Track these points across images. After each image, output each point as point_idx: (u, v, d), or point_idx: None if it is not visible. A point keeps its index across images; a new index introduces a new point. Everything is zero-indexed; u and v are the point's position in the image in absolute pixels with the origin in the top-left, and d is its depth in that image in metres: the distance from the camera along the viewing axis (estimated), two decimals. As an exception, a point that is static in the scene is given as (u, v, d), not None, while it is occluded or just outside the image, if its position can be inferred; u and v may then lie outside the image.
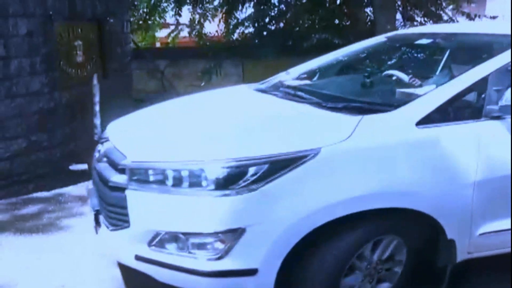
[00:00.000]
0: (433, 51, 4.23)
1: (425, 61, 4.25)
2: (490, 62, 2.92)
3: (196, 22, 12.28)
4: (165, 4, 12.75)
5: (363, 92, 3.52)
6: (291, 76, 4.14)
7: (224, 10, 12.13)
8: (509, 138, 2.78)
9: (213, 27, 13.12)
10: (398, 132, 2.67)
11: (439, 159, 2.69)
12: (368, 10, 11.05)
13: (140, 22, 13.24)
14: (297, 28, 10.75)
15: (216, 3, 12.27)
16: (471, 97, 2.85)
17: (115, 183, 2.80)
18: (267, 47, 10.00)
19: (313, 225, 2.52)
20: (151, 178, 2.67)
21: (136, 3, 12.47)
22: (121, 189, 2.75)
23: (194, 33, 12.41)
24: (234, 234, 2.48)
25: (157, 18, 13.37)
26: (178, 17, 12.42)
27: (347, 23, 11.01)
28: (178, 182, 2.58)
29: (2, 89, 5.45)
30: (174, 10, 12.30)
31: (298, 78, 4.10)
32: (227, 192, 2.47)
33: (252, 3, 11.41)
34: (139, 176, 2.70)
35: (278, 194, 2.47)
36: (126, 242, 2.77)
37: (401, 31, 4.79)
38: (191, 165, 2.57)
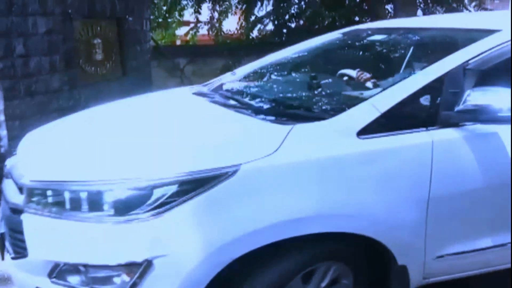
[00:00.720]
0: (390, 48, 3.70)
1: (380, 59, 3.66)
2: (446, 60, 2.52)
3: (215, 19, 12.28)
4: (184, 2, 12.77)
5: (307, 96, 3.08)
6: (237, 76, 3.72)
7: (243, 8, 12.11)
8: (467, 148, 2.41)
9: (232, 25, 13.11)
10: (336, 144, 2.26)
11: (385, 175, 2.30)
12: (389, 7, 10.95)
13: (160, 20, 13.27)
14: (317, 26, 10.68)
15: (235, 0, 12.26)
16: (424, 101, 2.45)
17: (14, 204, 2.46)
18: (286, 44, 9.95)
19: (234, 255, 2.14)
20: (50, 200, 2.28)
21: (155, 1, 12.50)
22: (20, 211, 2.38)
23: (213, 30, 12.41)
24: (139, 268, 2.11)
25: (177, 16, 13.39)
26: (197, 15, 12.44)
27: (368, 20, 10.93)
28: (76, 205, 2.21)
29: (22, 87, 5.48)
30: (193, 7, 12.32)
31: (244, 79, 3.67)
32: (128, 218, 2.11)
33: (271, 0, 11.37)
34: (38, 197, 2.33)
35: (190, 220, 2.10)
36: (26, 272, 2.39)
37: (360, 26, 4.27)
38: (90, 186, 2.20)
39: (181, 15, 13.44)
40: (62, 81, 5.93)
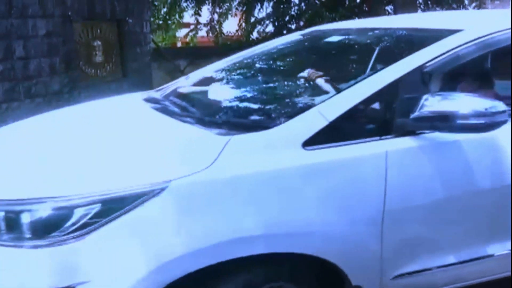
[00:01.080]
0: (346, 50, 3.40)
1: (334, 62, 3.36)
2: (402, 63, 2.31)
3: (215, 21, 12.28)
4: (185, 4, 12.78)
5: (255, 102, 2.81)
6: (190, 81, 3.43)
7: (243, 9, 12.11)
8: (425, 158, 2.22)
9: (232, 26, 13.11)
10: (278, 156, 2.04)
11: (335, 189, 2.08)
12: (389, 8, 10.95)
13: (160, 22, 13.28)
14: (317, 27, 10.67)
15: (235, 2, 12.27)
16: (377, 108, 2.26)
17: None
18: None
19: (166, 280, 1.93)
20: None
21: (156, 3, 12.51)
22: None
23: (213, 32, 12.42)
24: None
25: (177, 18, 13.40)
26: (197, 17, 12.44)
27: (368, 21, 10.92)
28: None
29: (22, 89, 5.48)
30: (193, 9, 12.32)
31: (197, 83, 3.36)
32: (47, 241, 1.88)
33: (271, 2, 11.37)
34: None
35: (114, 243, 1.89)
36: None
37: (321, 26, 4.03)
38: (6, 206, 1.98)
39: (181, 17, 13.45)
40: (62, 83, 5.92)
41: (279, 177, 2.03)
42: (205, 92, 3.07)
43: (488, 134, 2.16)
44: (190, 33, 13.67)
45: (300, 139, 2.08)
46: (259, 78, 3.30)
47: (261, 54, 3.58)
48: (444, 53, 2.33)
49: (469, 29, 2.48)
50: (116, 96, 3.52)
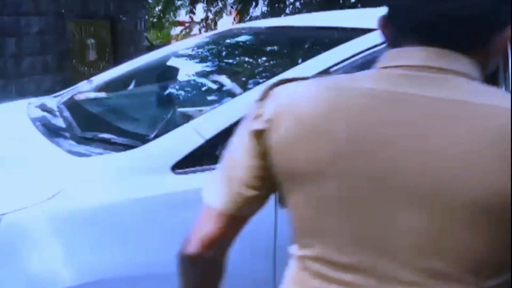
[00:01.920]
0: (248, 52, 2.98)
1: (238, 65, 2.95)
2: (300, 68, 2.00)
3: (210, 19, 12.26)
4: (179, 2, 12.76)
5: (136, 115, 2.46)
6: (92, 86, 2.96)
7: (238, 8, 12.10)
8: None
9: (227, 25, 13.10)
10: (140, 183, 1.67)
11: None
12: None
13: (154, 20, 13.26)
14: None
15: (230, 0, 12.26)
16: None
17: None
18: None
19: None
20: None
21: (150, 1, 12.48)
22: None
23: (207, 30, 12.40)
24: None
25: (171, 16, 13.38)
26: (192, 15, 12.42)
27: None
28: None
29: (14, 86, 5.45)
30: (188, 7, 12.30)
31: (98, 89, 2.91)
32: None
33: (266, 1, 11.37)
34: None
35: None
36: None
37: (237, 25, 3.69)
38: None
39: (175, 15, 13.43)
40: (54, 81, 5.90)
41: (138, 208, 1.65)
42: (99, 100, 2.73)
43: None
44: (184, 31, 13.65)
45: (169, 161, 1.70)
46: (151, 86, 2.88)
47: (167, 57, 3.11)
48: (354, 55, 1.98)
49: None
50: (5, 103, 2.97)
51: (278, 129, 0.86)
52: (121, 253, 1.63)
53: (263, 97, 0.91)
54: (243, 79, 2.56)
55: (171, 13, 13.44)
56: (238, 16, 12.40)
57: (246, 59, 2.92)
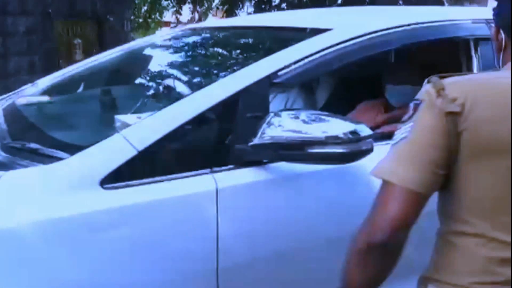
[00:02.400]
0: (194, 55, 2.74)
1: (179, 69, 2.65)
2: (244, 72, 1.79)
3: (196, 20, 12.26)
4: (165, 3, 12.74)
5: (86, 120, 2.23)
6: (37, 88, 2.68)
7: (224, 9, 12.10)
8: (272, 197, 1.67)
9: (213, 26, 13.10)
10: (64, 199, 1.46)
11: (147, 241, 1.51)
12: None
13: (141, 20, 13.22)
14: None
15: (216, 1, 12.26)
16: (208, 131, 1.71)
17: None
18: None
19: None
20: None
21: (136, 1, 12.44)
22: None
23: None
24: None
25: (157, 17, 13.36)
26: (178, 15, 12.40)
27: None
28: None
29: (0, 87, 5.41)
30: (174, 8, 12.28)
31: (43, 92, 2.63)
32: None
33: (253, 2, 11.38)
34: None
35: None
36: None
37: (195, 25, 3.48)
38: None
39: (161, 16, 13.41)
40: (41, 82, 5.87)
41: (62, 228, 1.44)
42: (40, 105, 2.47)
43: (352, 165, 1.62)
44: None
45: (97, 175, 1.50)
46: (98, 90, 2.59)
47: (116, 59, 2.79)
48: (302, 58, 1.81)
49: (339, 28, 1.98)
50: None
51: (474, 111, 0.99)
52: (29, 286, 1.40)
53: (439, 88, 1.03)
54: (188, 82, 2.26)
55: (157, 14, 13.40)
56: (225, 16, 12.41)
57: (194, 61, 2.63)
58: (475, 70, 2.10)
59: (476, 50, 2.12)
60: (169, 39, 2.92)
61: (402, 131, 1.05)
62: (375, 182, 1.51)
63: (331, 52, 1.85)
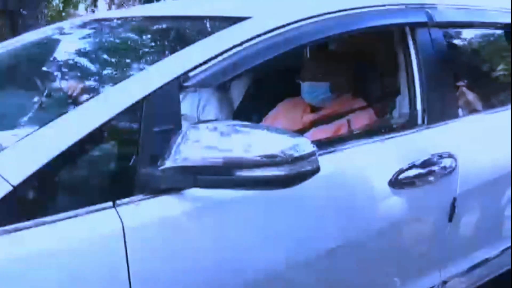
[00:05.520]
0: (95, 51, 2.22)
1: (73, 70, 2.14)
2: (146, 74, 1.49)
3: (113, 14, 11.99)
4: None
5: None
6: None
7: (142, 2, 11.88)
8: (193, 231, 1.38)
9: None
10: None
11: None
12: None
13: (53, 14, 12.75)
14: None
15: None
16: (106, 153, 1.35)
17: None
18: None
19: None
20: None
21: (49, -7, 11.99)
22: None
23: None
24: None
25: (71, 10, 12.93)
26: (94, 9, 12.06)
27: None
28: None
29: None
30: (89, 1, 11.93)
31: None
32: None
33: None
34: None
35: None
36: None
37: (104, 14, 3.00)
38: None
39: (76, 9, 12.99)
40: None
41: None
42: None
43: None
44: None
45: None
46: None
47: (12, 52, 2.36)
48: (218, 55, 1.50)
49: (258, 16, 1.67)
50: None
51: None
52: None
53: None
54: (83, 88, 1.81)
55: (71, 7, 12.98)
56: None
57: (90, 59, 2.13)
58: (413, 60, 1.99)
59: (414, 39, 1.98)
60: (62, 33, 2.43)
61: None
62: (306, 204, 1.50)
63: (251, 45, 1.55)
